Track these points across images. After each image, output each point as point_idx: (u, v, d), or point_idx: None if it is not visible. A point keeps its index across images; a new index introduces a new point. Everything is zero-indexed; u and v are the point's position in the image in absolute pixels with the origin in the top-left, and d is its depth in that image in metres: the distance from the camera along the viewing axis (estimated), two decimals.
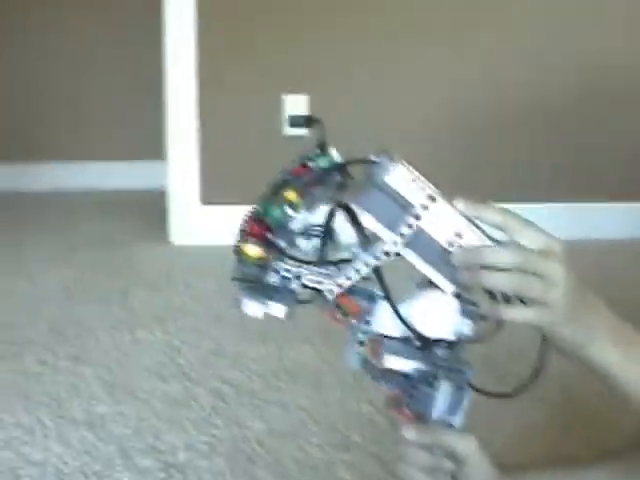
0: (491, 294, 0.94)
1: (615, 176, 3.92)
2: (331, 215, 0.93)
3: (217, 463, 2.00)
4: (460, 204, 0.90)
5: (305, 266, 0.93)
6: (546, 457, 1.88)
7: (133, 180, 4.83)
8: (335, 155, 0.97)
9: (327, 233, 0.93)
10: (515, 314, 0.90)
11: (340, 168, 0.96)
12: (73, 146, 4.95)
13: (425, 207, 0.89)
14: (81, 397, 2.32)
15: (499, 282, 0.89)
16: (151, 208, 4.17)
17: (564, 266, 0.90)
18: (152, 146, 4.41)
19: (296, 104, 3.81)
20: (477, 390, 0.98)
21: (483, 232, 0.90)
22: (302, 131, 3.65)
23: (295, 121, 3.74)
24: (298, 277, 0.93)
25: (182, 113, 3.82)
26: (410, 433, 0.97)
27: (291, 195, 0.94)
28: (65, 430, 2.15)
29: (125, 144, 4.95)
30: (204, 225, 3.80)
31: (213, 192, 3.83)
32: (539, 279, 0.89)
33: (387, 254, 0.91)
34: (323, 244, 0.93)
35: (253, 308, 0.94)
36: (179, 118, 3.82)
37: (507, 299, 0.92)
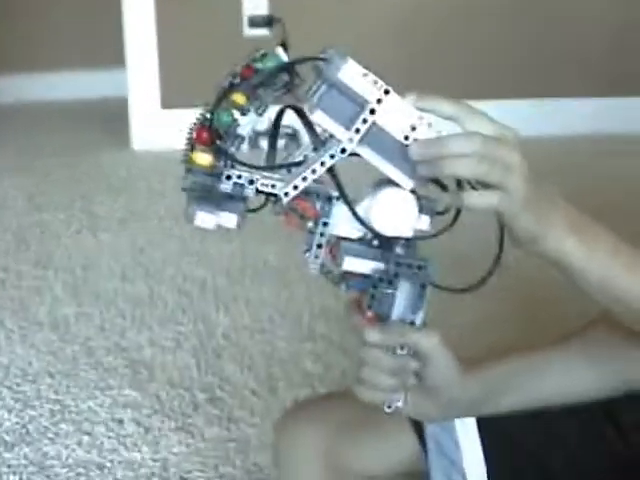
0: (443, 187, 0.92)
1: (578, 71, 3.89)
2: (279, 117, 0.89)
3: (183, 358, 2.00)
4: (412, 96, 0.87)
5: (257, 171, 0.90)
6: (504, 348, 1.89)
7: (94, 89, 4.76)
8: (282, 55, 0.93)
9: (275, 136, 0.90)
10: (477, 199, 0.89)
11: (288, 68, 0.92)
12: (32, 56, 4.85)
13: (379, 101, 0.86)
14: (45, 300, 2.31)
15: (461, 169, 0.87)
16: (112, 116, 4.11)
17: (519, 153, 0.88)
18: (112, 53, 4.34)
19: (256, 4, 3.75)
20: (437, 286, 0.96)
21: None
22: (263, 31, 3.60)
23: (255, 21, 3.67)
24: (251, 182, 0.90)
25: (140, 18, 3.75)
26: (374, 335, 0.95)
27: (239, 98, 0.90)
28: (29, 332, 2.14)
29: (84, 52, 4.86)
30: (165, 129, 3.75)
31: (173, 96, 3.78)
32: (499, 164, 0.87)
33: (343, 151, 0.88)
34: (271, 147, 0.90)
35: (204, 219, 0.89)
36: (137, 23, 3.75)
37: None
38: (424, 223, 0.92)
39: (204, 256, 2.56)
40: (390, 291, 0.93)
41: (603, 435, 1.14)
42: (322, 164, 0.88)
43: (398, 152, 0.88)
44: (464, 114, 0.89)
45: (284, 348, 2.03)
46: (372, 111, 0.86)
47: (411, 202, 0.90)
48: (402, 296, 0.94)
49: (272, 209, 0.92)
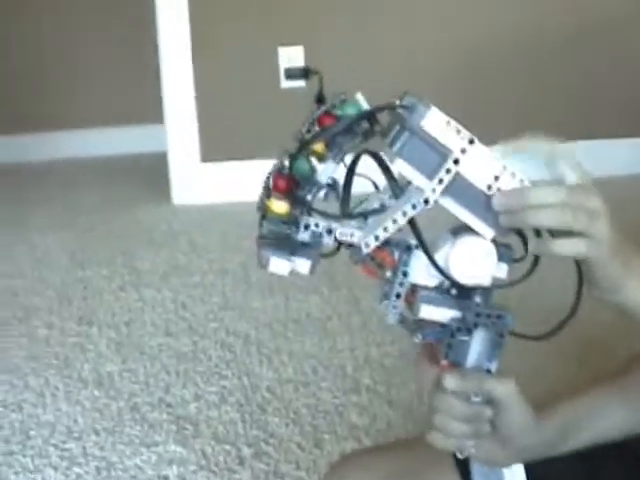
0: (522, 235, 0.91)
1: (617, 113, 3.89)
2: (354, 163, 0.88)
3: (228, 413, 1.99)
4: (497, 146, 0.87)
5: (334, 219, 0.89)
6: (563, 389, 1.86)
7: (132, 145, 4.80)
8: (362, 101, 0.92)
9: (350, 182, 0.88)
10: (565, 247, 0.87)
11: (369, 115, 0.91)
12: (70, 115, 4.91)
13: (464, 150, 0.85)
14: (89, 357, 2.32)
15: (547, 218, 0.85)
16: (152, 171, 4.15)
17: (601, 198, 0.87)
18: (149, 109, 4.39)
19: (291, 56, 3.77)
20: (513, 334, 0.94)
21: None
22: (299, 83, 3.62)
23: (291, 73, 3.70)
24: (329, 231, 0.89)
25: (177, 72, 3.78)
26: (451, 382, 0.94)
27: (319, 147, 0.89)
28: (74, 390, 2.14)
29: (121, 109, 4.91)
30: (205, 183, 3.77)
31: (213, 149, 3.80)
32: (583, 212, 0.86)
33: (426, 202, 0.86)
34: (346, 194, 0.89)
35: (278, 265, 0.88)
36: (174, 78, 3.79)
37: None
38: (502, 271, 0.90)
39: (247, 310, 2.56)
40: (468, 340, 0.92)
41: None
42: (404, 214, 0.86)
43: (480, 201, 0.86)
44: (547, 155, 0.88)
45: (329, 400, 2.02)
46: (456, 161, 0.84)
47: (491, 251, 0.88)
48: (477, 343, 0.93)
49: (349, 257, 0.90)
